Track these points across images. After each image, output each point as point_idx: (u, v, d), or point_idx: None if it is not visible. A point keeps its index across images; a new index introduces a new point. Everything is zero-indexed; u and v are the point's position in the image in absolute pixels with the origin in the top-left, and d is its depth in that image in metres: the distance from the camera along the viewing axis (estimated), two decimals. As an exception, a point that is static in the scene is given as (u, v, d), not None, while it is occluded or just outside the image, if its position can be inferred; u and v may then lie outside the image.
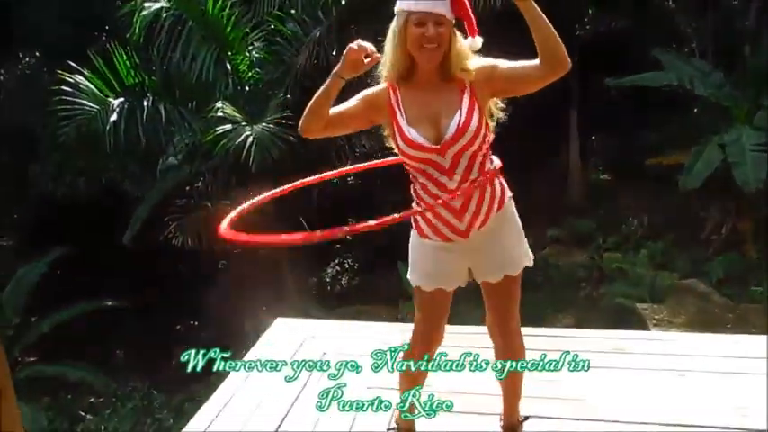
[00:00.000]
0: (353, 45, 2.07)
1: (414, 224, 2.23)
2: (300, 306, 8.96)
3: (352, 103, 2.16)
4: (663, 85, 9.63)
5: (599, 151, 12.43)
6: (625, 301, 8.07)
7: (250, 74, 8.80)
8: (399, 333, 3.56)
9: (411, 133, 2.06)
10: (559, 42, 1.98)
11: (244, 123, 7.88)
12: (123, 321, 11.19)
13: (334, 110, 2.12)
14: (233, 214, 2.18)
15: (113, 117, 8.04)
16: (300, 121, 2.12)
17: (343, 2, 8.86)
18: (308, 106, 2.09)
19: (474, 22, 2.06)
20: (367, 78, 2.25)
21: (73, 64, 8.14)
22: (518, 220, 2.22)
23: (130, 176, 11.01)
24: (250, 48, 8.90)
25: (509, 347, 2.31)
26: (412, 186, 2.18)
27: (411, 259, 2.27)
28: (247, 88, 8.86)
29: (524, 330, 2.86)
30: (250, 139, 7.60)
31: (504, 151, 2.24)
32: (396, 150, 2.13)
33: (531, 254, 2.25)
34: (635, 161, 10.80)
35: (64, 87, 8.08)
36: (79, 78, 8.21)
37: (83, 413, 9.74)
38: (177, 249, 10.86)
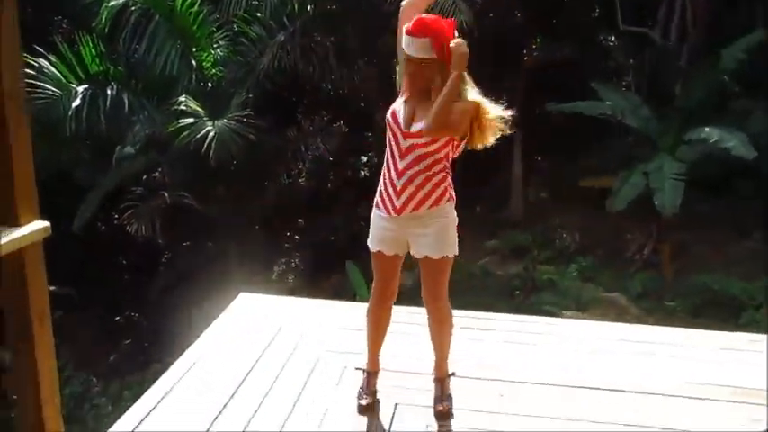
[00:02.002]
0: None
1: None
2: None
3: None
4: (598, 113, 10.43)
5: (539, 171, 13.18)
6: (552, 309, 8.70)
7: (214, 71, 9.09)
8: (349, 309, 4.02)
9: (397, 106, 2.69)
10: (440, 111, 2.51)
11: (205, 118, 8.17)
12: (65, 309, 11.14)
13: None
14: None
15: (76, 102, 8.18)
16: None
17: (308, 9, 9.27)
18: None
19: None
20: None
21: (39, 48, 8.22)
22: (452, 221, 2.74)
23: (84, 164, 11.00)
24: (215, 46, 9.19)
25: (436, 314, 2.85)
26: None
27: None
28: (210, 85, 9.14)
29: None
30: (211, 134, 7.89)
31: (454, 167, 2.76)
32: None
33: (455, 249, 2.75)
34: (571, 183, 11.60)
35: (27, 71, 8.16)
36: (43, 62, 8.31)
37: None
38: (124, 240, 10.92)
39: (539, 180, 13.04)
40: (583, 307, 9.07)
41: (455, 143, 2.66)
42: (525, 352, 3.54)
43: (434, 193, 2.65)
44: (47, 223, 1.80)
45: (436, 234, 2.70)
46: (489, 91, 2.68)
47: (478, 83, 2.66)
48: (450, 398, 2.91)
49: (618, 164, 10.25)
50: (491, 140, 2.68)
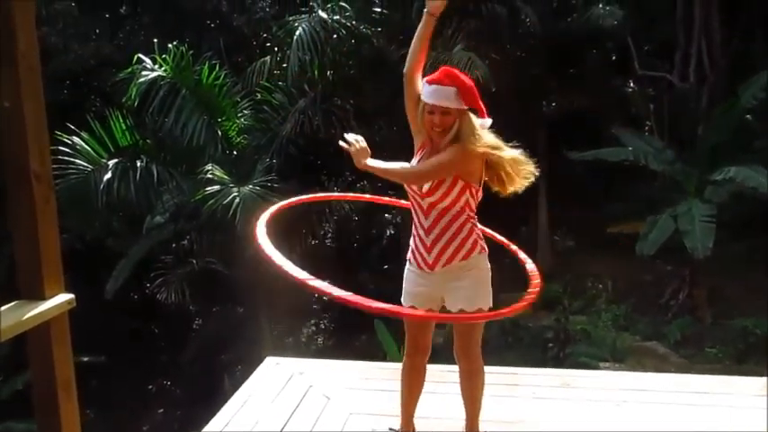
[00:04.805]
0: None
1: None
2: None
3: (419, 112, 2.70)
4: (621, 159, 10.40)
5: (566, 220, 13.09)
6: (589, 361, 8.49)
7: (238, 139, 9.34)
8: (378, 370, 3.98)
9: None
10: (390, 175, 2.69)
11: (231, 185, 8.34)
12: (98, 378, 11.21)
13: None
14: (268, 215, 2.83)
15: (107, 176, 8.43)
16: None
17: (328, 74, 9.55)
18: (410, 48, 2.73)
19: (483, 109, 2.66)
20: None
21: (71, 126, 8.56)
22: (485, 273, 2.73)
23: (115, 234, 11.27)
24: (239, 115, 9.46)
25: (468, 368, 2.82)
26: None
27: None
28: (235, 153, 9.37)
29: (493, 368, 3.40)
30: (237, 200, 8.03)
31: (480, 219, 2.77)
32: None
33: (490, 302, 2.72)
34: (598, 230, 11.47)
35: (61, 148, 8.47)
36: (76, 140, 8.63)
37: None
38: (156, 307, 11.03)
39: (565, 229, 12.94)
40: (620, 357, 8.82)
41: (472, 190, 2.64)
42: (554, 406, 3.45)
43: (465, 245, 2.66)
44: (71, 295, 1.85)
45: (470, 287, 2.69)
46: (510, 138, 2.72)
47: (499, 132, 2.70)
48: None
49: (644, 208, 10.15)
50: (522, 185, 2.68)
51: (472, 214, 2.70)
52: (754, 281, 9.97)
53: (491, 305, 2.74)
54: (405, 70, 2.74)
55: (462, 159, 2.57)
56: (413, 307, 2.78)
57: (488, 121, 2.66)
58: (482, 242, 2.73)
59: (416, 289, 2.78)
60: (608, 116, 12.23)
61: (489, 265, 2.75)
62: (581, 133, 11.94)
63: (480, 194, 2.71)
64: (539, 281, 2.70)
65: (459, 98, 2.55)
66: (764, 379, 3.77)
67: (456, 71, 2.61)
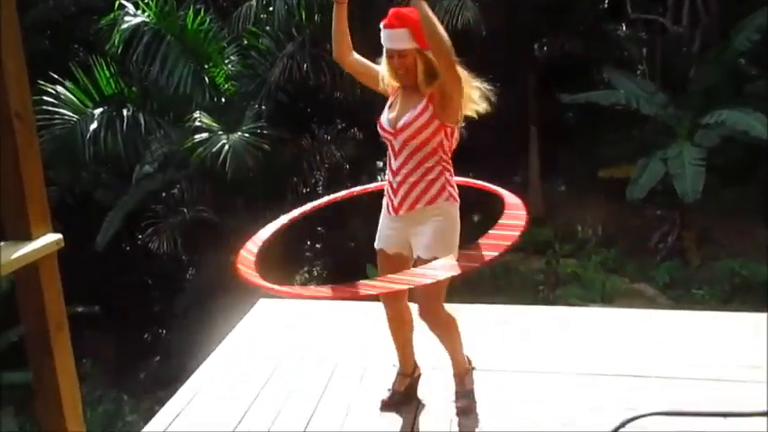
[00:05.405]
0: None
1: None
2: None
3: (380, 66, 2.72)
4: (612, 103, 10.34)
5: (557, 165, 13.09)
6: (578, 302, 8.61)
7: (226, 86, 9.17)
8: (371, 308, 4.02)
9: (383, 116, 2.69)
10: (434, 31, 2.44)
11: (220, 132, 8.24)
12: (92, 328, 11.29)
13: (366, 61, 2.76)
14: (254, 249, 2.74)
15: (93, 126, 8.30)
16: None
17: (316, 18, 9.33)
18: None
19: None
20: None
21: (54, 75, 8.38)
22: (450, 223, 2.62)
23: (104, 185, 11.18)
24: (226, 61, 9.27)
25: (437, 328, 2.73)
26: None
27: None
28: (223, 100, 9.23)
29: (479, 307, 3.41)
30: (226, 147, 7.95)
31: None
32: None
33: (450, 255, 2.50)
34: (589, 175, 11.49)
35: (45, 98, 8.29)
36: (60, 89, 8.46)
37: (52, 418, 9.82)
38: (148, 257, 11.04)
39: (556, 174, 12.95)
40: (609, 299, 8.96)
41: (447, 131, 2.58)
42: (546, 343, 3.51)
43: (430, 190, 2.59)
44: (59, 235, 1.83)
45: (431, 234, 2.59)
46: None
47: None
48: (470, 394, 2.88)
49: (635, 153, 10.14)
50: (472, 110, 2.62)
51: (446, 157, 2.62)
52: (742, 224, 10.08)
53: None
54: (335, 57, 2.76)
55: (461, 85, 2.52)
56: (382, 250, 2.77)
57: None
58: (453, 190, 2.64)
59: (386, 233, 2.76)
60: (600, 60, 12.08)
61: (458, 216, 2.64)
62: (572, 77, 11.81)
63: (456, 137, 2.63)
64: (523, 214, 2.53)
65: (413, 38, 2.51)
66: (752, 314, 3.85)
67: (406, 11, 2.53)
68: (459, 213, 2.65)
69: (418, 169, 2.59)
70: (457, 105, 2.54)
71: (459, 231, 2.66)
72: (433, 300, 2.66)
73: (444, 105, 2.53)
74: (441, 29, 2.45)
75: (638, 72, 12.50)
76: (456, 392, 2.88)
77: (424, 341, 2.90)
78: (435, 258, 2.51)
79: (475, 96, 2.61)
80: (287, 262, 11.31)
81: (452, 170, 2.66)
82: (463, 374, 2.88)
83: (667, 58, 11.45)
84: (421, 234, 2.62)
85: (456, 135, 2.63)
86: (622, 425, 1.97)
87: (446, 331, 2.78)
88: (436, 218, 2.60)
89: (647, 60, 12.11)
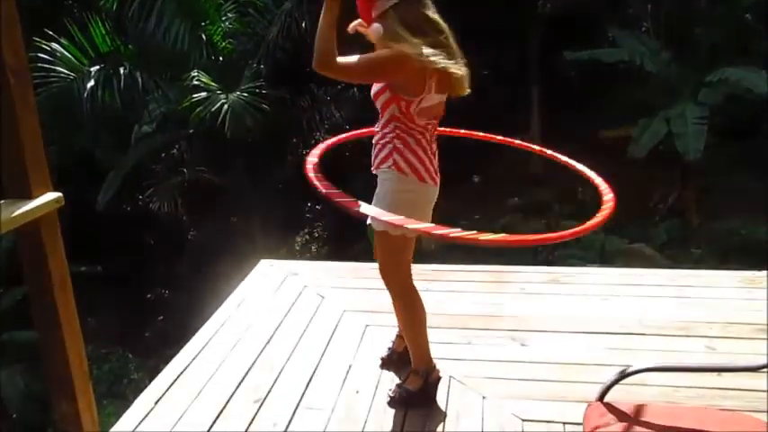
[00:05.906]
0: None
1: None
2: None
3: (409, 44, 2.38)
4: (616, 60, 10.19)
5: (559, 124, 13.00)
6: (577, 263, 8.64)
7: (224, 44, 9.05)
8: (371, 270, 4.04)
9: None
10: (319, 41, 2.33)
11: (219, 92, 8.17)
12: (95, 288, 11.38)
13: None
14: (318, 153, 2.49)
15: (90, 83, 8.22)
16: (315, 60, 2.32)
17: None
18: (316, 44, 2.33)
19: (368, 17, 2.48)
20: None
21: (50, 32, 8.25)
22: (391, 192, 2.46)
23: (103, 145, 11.13)
24: (223, 19, 9.13)
25: (392, 297, 2.63)
26: None
27: None
28: (221, 58, 9.12)
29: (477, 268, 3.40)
30: (225, 107, 7.90)
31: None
32: None
33: (380, 225, 2.43)
34: (592, 135, 11.41)
35: (40, 55, 8.20)
36: (55, 46, 8.35)
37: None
38: (148, 218, 11.05)
39: (558, 134, 12.85)
40: (608, 259, 8.99)
41: (401, 103, 2.38)
42: (540, 301, 3.55)
43: (380, 155, 2.50)
44: (59, 194, 1.82)
45: (375, 199, 2.50)
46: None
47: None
48: (407, 391, 2.65)
49: (638, 112, 10.04)
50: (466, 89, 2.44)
51: (402, 127, 2.42)
52: (743, 184, 10.05)
53: (384, 229, 2.44)
54: (317, 68, 2.32)
55: (394, 64, 2.31)
56: None
57: (378, 28, 2.37)
58: (398, 158, 2.43)
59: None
60: (604, 18, 11.87)
61: (404, 190, 2.45)
62: (575, 34, 11.62)
63: (415, 108, 2.38)
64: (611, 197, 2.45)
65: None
66: (747, 272, 3.88)
67: None
68: (409, 187, 2.46)
69: (379, 132, 2.53)
70: (385, 81, 2.41)
71: (405, 204, 2.43)
72: (386, 258, 2.57)
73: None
74: (323, 45, 2.31)
75: (643, 29, 12.30)
76: (401, 384, 2.69)
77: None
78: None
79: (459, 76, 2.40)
80: (288, 223, 11.36)
81: (411, 143, 2.45)
82: (421, 373, 2.66)
83: (672, 16, 11.25)
84: (375, 200, 2.53)
85: (412, 106, 2.39)
86: (617, 380, 2.00)
87: (402, 312, 2.62)
88: (381, 184, 2.53)
89: (652, 18, 11.90)
